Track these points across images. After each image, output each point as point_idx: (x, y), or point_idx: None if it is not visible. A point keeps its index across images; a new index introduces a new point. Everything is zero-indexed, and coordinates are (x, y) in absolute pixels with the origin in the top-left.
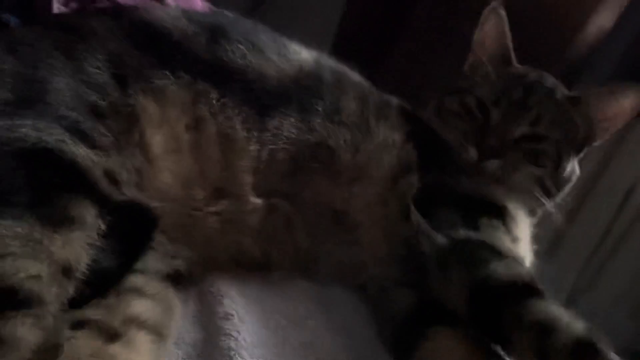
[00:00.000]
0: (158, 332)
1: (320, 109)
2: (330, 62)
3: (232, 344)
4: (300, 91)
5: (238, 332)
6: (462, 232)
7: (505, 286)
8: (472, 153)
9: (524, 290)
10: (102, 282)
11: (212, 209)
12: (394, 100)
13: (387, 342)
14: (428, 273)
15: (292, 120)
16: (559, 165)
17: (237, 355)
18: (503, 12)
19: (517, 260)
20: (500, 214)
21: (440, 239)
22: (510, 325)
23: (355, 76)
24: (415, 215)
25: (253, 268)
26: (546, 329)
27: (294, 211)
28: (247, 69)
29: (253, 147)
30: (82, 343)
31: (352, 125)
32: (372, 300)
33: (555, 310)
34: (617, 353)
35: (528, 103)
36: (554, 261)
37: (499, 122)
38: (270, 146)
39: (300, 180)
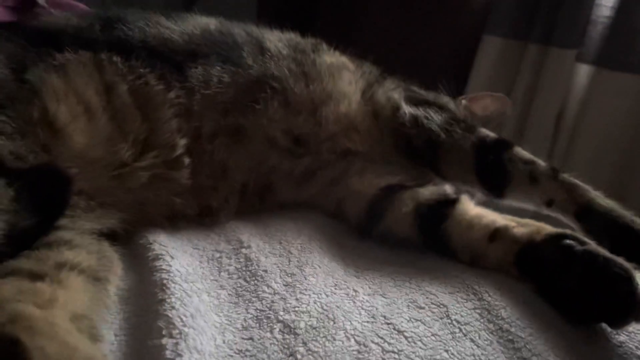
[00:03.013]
0: (93, 276)
1: (244, 54)
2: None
3: (165, 275)
4: (215, 45)
5: (170, 265)
6: (449, 115)
7: (496, 141)
8: None
9: (508, 143)
10: (22, 241)
11: (141, 164)
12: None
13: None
14: (432, 148)
15: (218, 68)
16: None
17: (170, 282)
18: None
19: None
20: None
21: (437, 117)
22: (510, 164)
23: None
24: (408, 109)
25: (193, 220)
26: (532, 161)
27: (235, 148)
28: (148, 38)
29: (174, 94)
30: (9, 286)
31: (289, 57)
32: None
33: (527, 152)
34: None
35: None
36: None
37: None
38: (204, 91)
39: (248, 113)
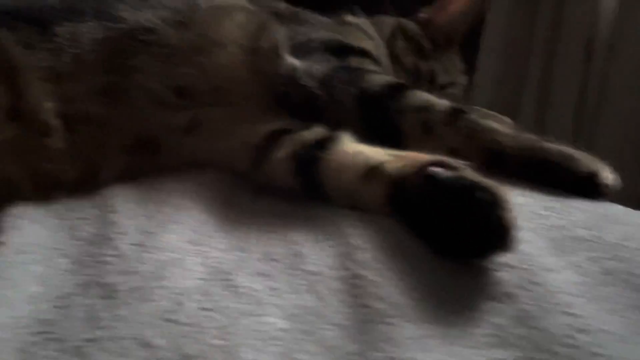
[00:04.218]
0: None
1: (121, 7)
2: None
3: None
4: (92, 3)
5: (7, 237)
6: (337, 62)
7: (383, 89)
8: None
9: (399, 88)
10: None
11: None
12: None
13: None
14: (314, 105)
15: (92, 24)
16: None
17: None
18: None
19: (384, 72)
20: (366, 55)
21: (319, 69)
22: (398, 116)
23: None
24: (289, 60)
25: (71, 187)
26: (426, 107)
27: (113, 106)
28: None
29: (37, 57)
30: None
31: (167, 5)
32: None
33: (427, 95)
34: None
35: None
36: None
37: None
38: (73, 51)
39: (124, 69)
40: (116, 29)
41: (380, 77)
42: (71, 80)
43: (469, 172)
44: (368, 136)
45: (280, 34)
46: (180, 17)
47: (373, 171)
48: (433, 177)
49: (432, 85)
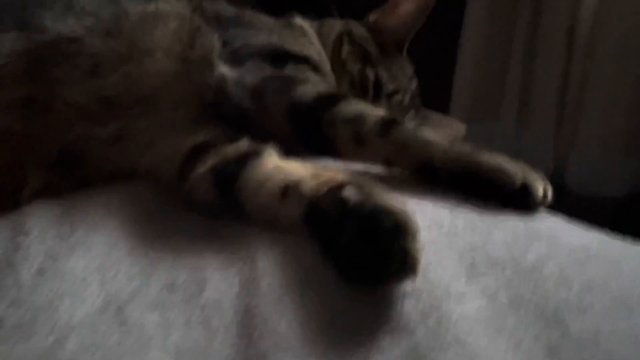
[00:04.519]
0: None
1: (47, 15)
2: None
3: None
4: (13, 8)
5: None
6: (271, 71)
7: (314, 100)
8: None
9: (331, 98)
10: None
11: None
12: None
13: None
14: (245, 116)
15: (14, 34)
16: None
17: None
18: None
19: (321, 82)
20: (306, 62)
21: (251, 78)
22: (330, 127)
23: None
24: (220, 69)
25: None
26: (357, 118)
27: (34, 119)
28: None
29: None
30: None
31: (93, 12)
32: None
33: (360, 105)
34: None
35: None
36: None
37: None
38: None
39: (46, 81)
40: (37, 39)
41: (313, 87)
42: None
43: (379, 196)
44: (303, 148)
45: (215, 40)
46: (107, 26)
47: (290, 189)
48: (343, 200)
49: (378, 92)
